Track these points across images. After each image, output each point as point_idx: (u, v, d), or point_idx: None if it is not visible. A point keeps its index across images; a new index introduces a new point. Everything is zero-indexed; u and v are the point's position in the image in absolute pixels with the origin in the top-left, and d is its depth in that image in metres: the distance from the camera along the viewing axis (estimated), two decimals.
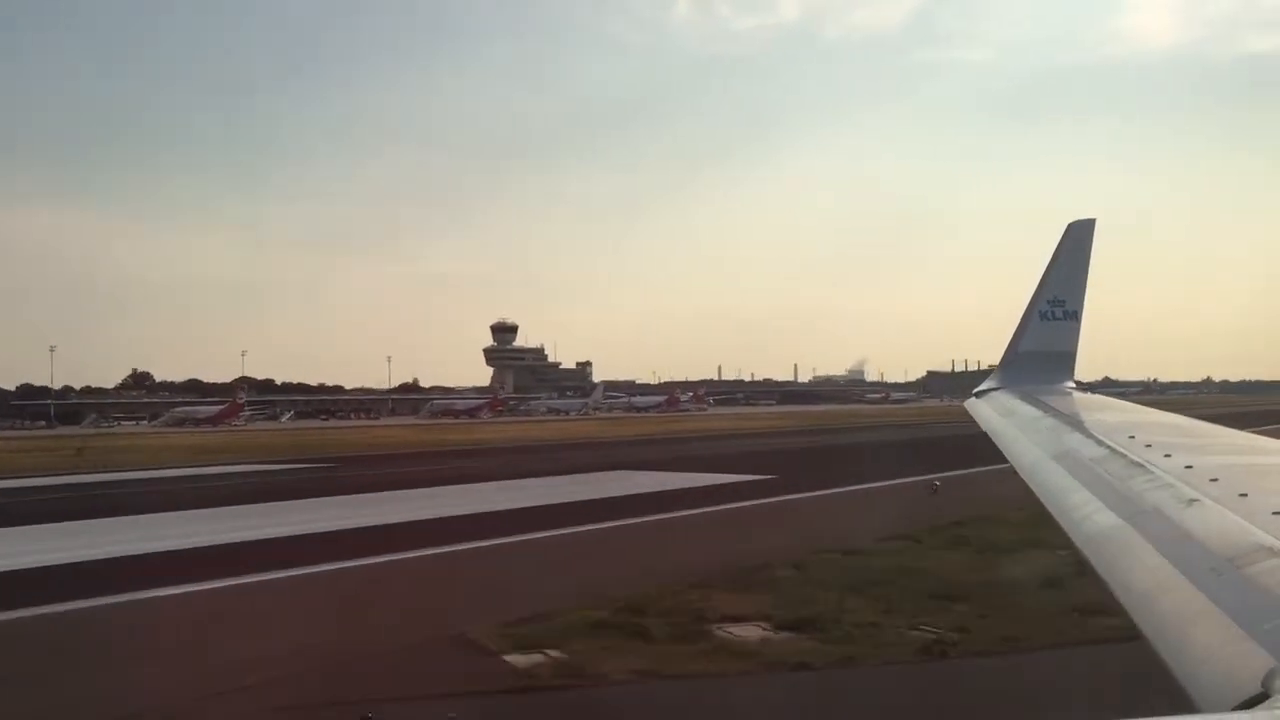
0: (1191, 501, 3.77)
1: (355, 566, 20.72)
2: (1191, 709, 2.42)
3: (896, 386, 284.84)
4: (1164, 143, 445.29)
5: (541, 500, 31.57)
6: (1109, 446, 5.36)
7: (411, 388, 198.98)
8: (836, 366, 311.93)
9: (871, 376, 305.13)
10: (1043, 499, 4.97)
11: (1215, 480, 4.02)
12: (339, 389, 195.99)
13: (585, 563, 21.75)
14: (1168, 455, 4.73)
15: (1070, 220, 10.11)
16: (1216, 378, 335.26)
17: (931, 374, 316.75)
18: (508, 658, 14.06)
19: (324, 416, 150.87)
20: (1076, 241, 9.61)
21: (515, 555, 22.18)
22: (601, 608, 16.49)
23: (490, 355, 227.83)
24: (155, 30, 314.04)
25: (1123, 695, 9.85)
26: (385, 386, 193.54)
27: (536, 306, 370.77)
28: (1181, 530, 3.43)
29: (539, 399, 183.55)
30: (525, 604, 16.99)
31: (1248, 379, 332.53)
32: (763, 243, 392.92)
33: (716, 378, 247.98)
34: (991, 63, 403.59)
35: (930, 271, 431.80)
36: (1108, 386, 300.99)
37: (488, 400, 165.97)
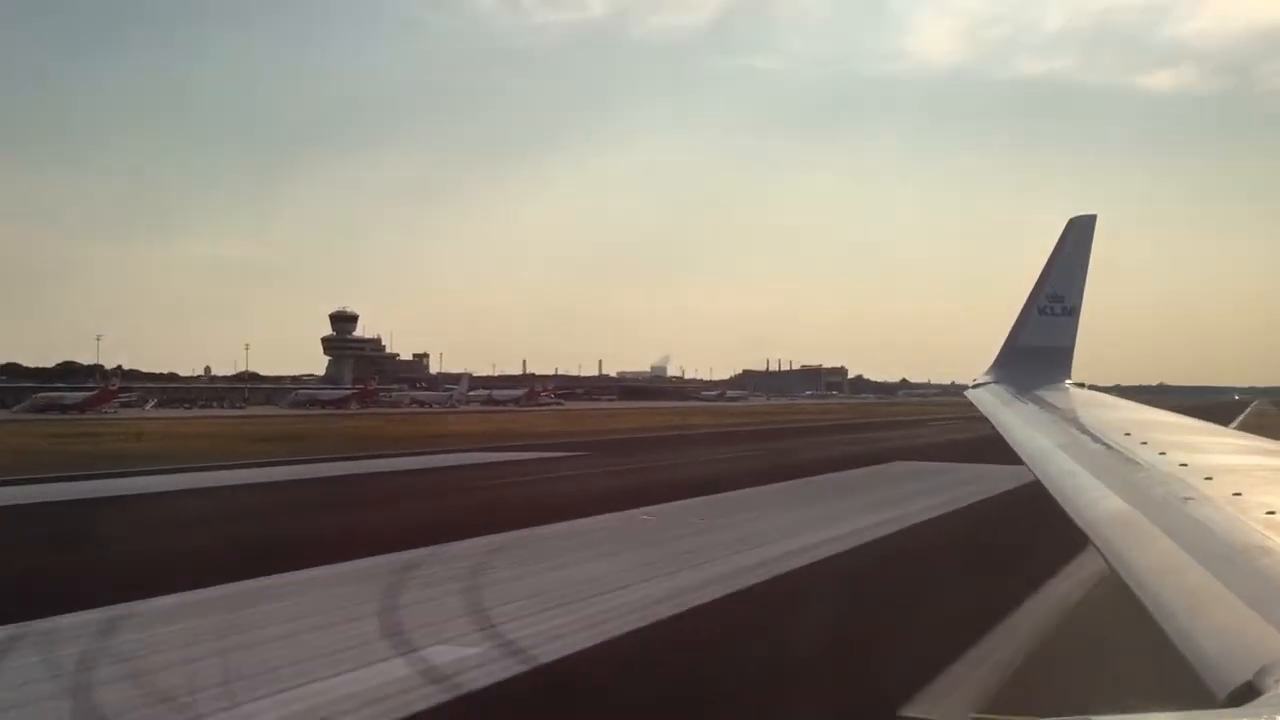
0: (1186, 500, 3.78)
1: None
2: (1200, 689, 2.47)
3: (727, 384, 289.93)
4: (943, 155, 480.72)
5: (962, 499, 28.28)
6: (1105, 443, 5.42)
7: (253, 376, 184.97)
8: (634, 363, 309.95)
9: (673, 372, 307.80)
10: (1047, 487, 5.02)
11: (1209, 479, 4.02)
12: (174, 375, 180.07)
13: None
14: (1162, 453, 4.75)
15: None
16: None
17: (748, 372, 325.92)
18: None
19: (186, 405, 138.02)
20: (1077, 237, 9.53)
21: None
22: None
23: (329, 345, 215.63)
24: None
25: None
26: (215, 373, 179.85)
27: (330, 295, 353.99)
28: (1175, 526, 3.45)
29: (400, 390, 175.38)
30: None
31: None
32: (560, 238, 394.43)
33: (521, 372, 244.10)
34: (786, 72, 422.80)
35: (727, 271, 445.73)
36: (906, 389, 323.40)
37: (357, 391, 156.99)
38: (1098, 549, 3.65)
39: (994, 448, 7.41)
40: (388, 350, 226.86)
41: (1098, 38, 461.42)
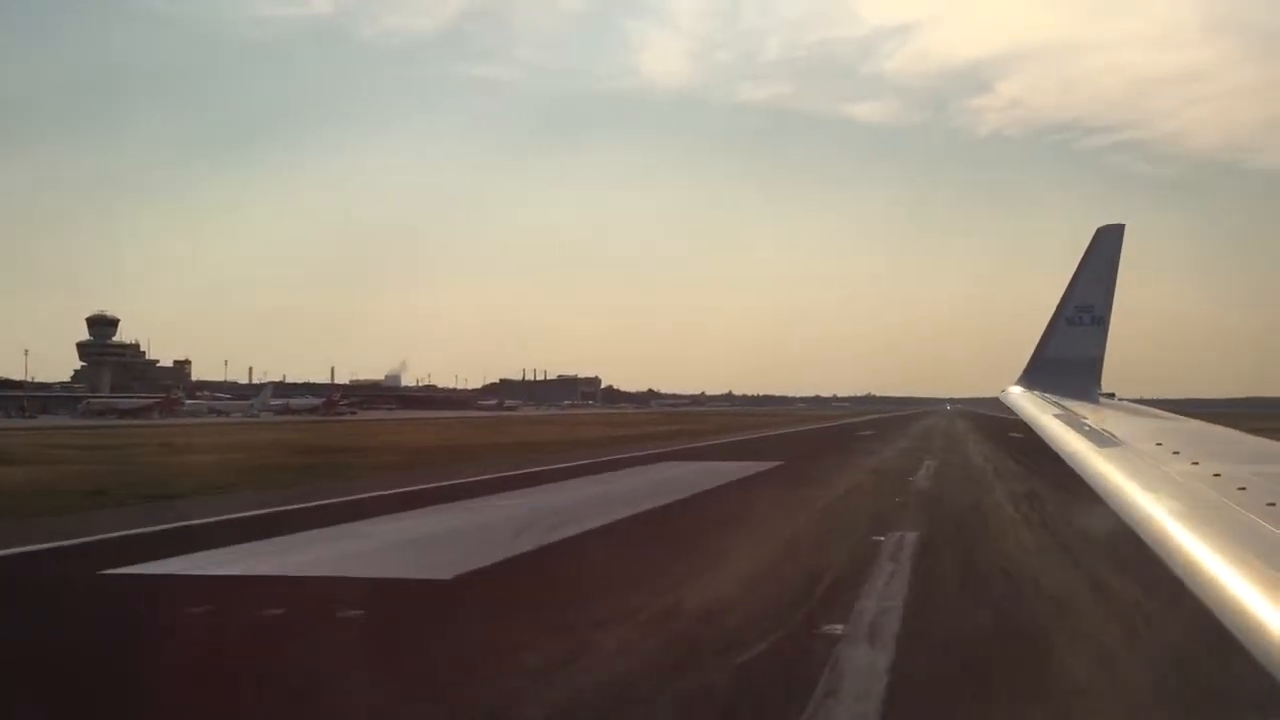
0: (1220, 510, 3.84)
1: None
2: (1265, 683, 2.57)
3: (480, 393, 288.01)
4: (674, 170, 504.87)
5: None
6: (1137, 451, 5.52)
7: (11, 384, 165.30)
8: (364, 369, 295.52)
9: (407, 381, 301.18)
10: (1093, 488, 5.08)
11: (1243, 489, 4.05)
12: None
13: None
14: (1195, 463, 4.80)
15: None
16: (738, 392, 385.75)
17: (505, 381, 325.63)
18: None
19: None
20: (1105, 246, 9.60)
21: None
22: None
23: (86, 350, 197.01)
24: None
25: None
26: None
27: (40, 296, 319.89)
28: (1216, 532, 3.51)
29: (185, 398, 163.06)
30: None
31: (769, 394, 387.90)
32: (284, 240, 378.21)
33: (248, 380, 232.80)
34: (519, 82, 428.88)
35: (458, 279, 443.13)
36: (657, 399, 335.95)
37: (159, 400, 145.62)
38: (1151, 549, 3.72)
39: None
40: (148, 356, 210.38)
41: (812, 68, 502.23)
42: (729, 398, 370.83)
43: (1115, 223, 9.65)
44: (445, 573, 15.18)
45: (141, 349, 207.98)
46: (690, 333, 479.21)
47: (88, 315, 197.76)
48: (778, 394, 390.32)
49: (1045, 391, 8.79)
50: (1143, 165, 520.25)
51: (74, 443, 58.42)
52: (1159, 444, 5.47)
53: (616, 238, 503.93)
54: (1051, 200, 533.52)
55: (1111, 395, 9.08)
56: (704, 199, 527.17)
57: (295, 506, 24.48)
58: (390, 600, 13.52)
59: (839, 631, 10.85)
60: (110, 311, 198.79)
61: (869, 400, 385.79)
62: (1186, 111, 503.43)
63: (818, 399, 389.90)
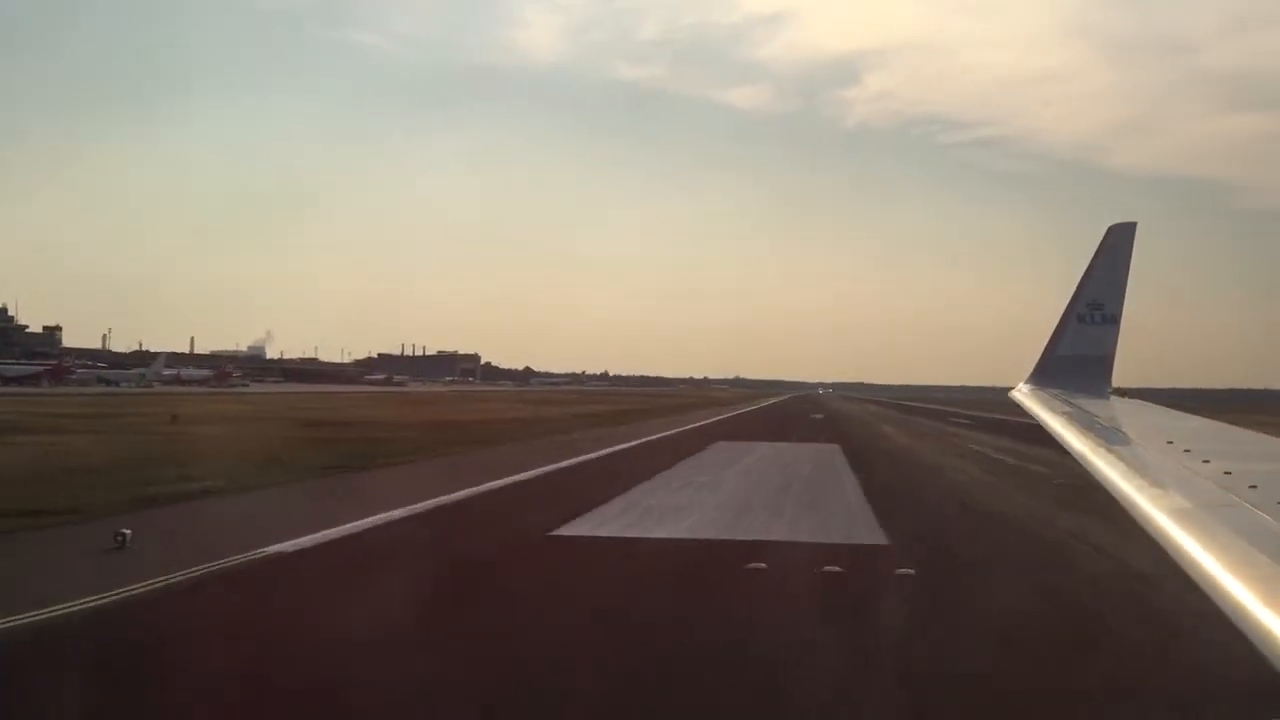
0: (1231, 508, 3.88)
1: None
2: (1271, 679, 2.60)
3: (359, 366, 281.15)
4: (546, 147, 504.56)
5: None
6: (1148, 449, 5.61)
7: None
8: (223, 339, 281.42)
9: (272, 354, 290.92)
10: (1105, 486, 4.98)
11: (1254, 487, 4.09)
12: None
13: None
14: (1206, 461, 4.77)
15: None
16: (613, 372, 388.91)
17: (384, 356, 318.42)
18: None
19: None
20: (1116, 244, 9.50)
21: None
22: None
23: None
24: None
25: None
26: None
27: None
28: (1226, 531, 3.57)
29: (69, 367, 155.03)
30: None
31: (645, 374, 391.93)
32: (140, 204, 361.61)
33: (101, 347, 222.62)
34: (394, 52, 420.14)
35: (324, 252, 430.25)
36: (537, 378, 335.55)
37: (50, 368, 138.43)
38: (1162, 548, 3.70)
39: None
40: (16, 321, 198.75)
41: (687, 51, 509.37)
42: (606, 377, 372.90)
43: (1128, 221, 9.64)
44: (877, 537, 16.82)
45: (10, 313, 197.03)
46: (565, 312, 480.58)
47: None
48: (653, 375, 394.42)
49: (1055, 389, 8.81)
50: (1000, 161, 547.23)
51: (44, 410, 55.78)
52: (1170, 442, 5.51)
53: (490, 213, 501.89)
54: (913, 192, 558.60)
55: (1123, 393, 9.08)
56: (579, 178, 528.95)
57: (539, 471, 25.68)
58: (924, 564, 14.85)
59: None
60: None
61: (741, 383, 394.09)
62: (1044, 111, 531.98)
63: (692, 380, 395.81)
